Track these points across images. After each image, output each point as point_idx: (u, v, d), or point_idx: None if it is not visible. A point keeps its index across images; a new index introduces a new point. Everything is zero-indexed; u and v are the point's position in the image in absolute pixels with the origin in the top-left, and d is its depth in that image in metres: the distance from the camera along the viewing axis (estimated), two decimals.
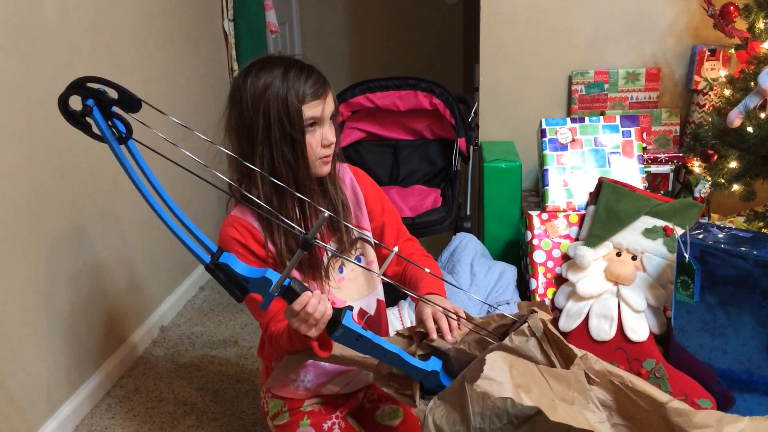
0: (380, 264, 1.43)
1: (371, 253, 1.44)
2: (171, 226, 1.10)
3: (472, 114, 2.54)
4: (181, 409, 1.95)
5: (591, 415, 0.98)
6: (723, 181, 2.04)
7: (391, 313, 1.99)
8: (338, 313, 1.11)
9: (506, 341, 1.07)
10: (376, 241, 1.40)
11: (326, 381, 1.42)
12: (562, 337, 1.06)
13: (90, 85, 0.99)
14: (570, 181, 2.20)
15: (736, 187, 2.04)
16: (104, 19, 2.03)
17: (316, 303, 1.09)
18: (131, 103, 1.01)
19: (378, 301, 1.46)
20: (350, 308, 1.13)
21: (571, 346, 1.05)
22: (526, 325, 1.07)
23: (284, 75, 1.25)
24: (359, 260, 1.42)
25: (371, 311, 1.45)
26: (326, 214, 1.02)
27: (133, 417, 1.92)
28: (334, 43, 4.45)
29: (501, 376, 0.97)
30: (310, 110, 1.25)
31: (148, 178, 1.08)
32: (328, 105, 1.29)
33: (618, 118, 2.24)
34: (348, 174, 1.45)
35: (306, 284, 1.22)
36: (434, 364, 1.19)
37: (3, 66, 1.59)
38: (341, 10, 4.42)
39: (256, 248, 1.31)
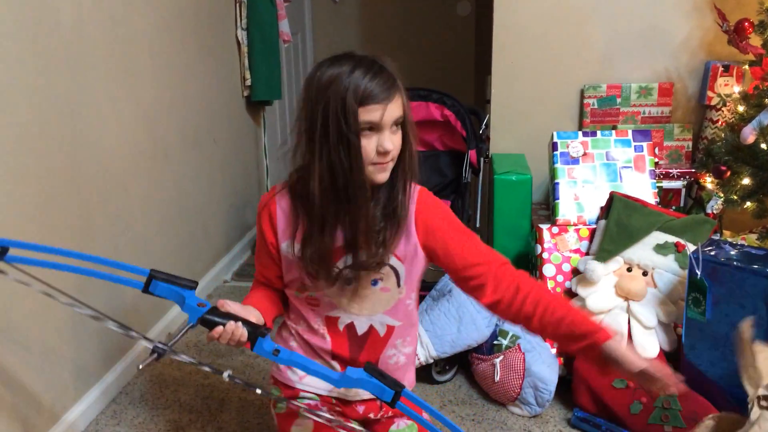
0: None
1: (392, 280, 1.37)
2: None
3: (483, 126, 2.54)
4: (187, 417, 1.94)
5: None
6: (736, 197, 2.02)
7: None
8: (254, 336, 1.18)
9: None
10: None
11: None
12: None
13: None
14: (581, 195, 2.19)
15: (748, 203, 2.03)
16: (119, 27, 2.04)
17: (228, 335, 1.17)
18: None
19: (387, 326, 1.41)
20: (265, 332, 1.18)
21: None
22: None
23: (350, 72, 1.18)
24: (375, 283, 1.36)
25: (381, 331, 1.41)
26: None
27: (138, 424, 1.92)
28: None
29: None
30: (367, 114, 1.19)
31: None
32: (390, 111, 1.21)
33: (630, 132, 2.23)
34: (414, 200, 1.33)
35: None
36: (355, 373, 1.13)
37: (18, 72, 1.60)
38: (353, 21, 4.43)
39: (268, 234, 1.35)
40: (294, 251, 1.33)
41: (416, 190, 1.34)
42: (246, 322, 1.18)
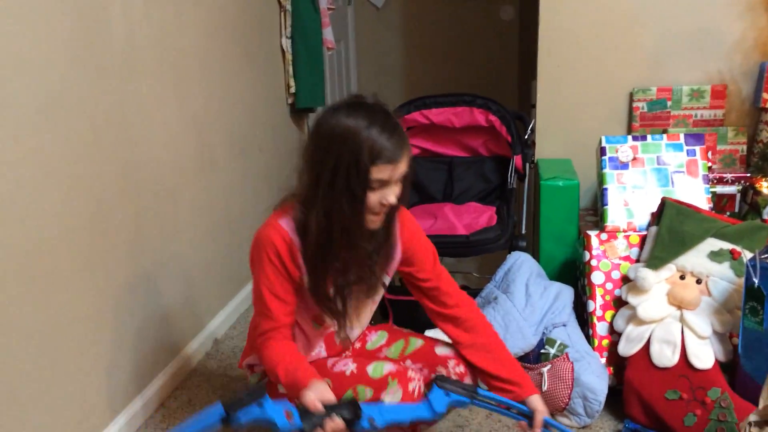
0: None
1: (380, 293, 1.52)
2: None
3: (529, 131, 2.51)
4: None
5: None
6: None
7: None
8: (352, 423, 1.19)
9: None
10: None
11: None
12: None
13: None
14: (630, 201, 2.14)
15: None
16: (168, 38, 2.08)
17: None
18: None
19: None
20: (361, 414, 1.20)
21: None
22: None
23: (367, 128, 1.24)
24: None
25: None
26: None
27: None
28: (388, 59, 4.48)
29: None
30: (379, 173, 1.26)
31: None
32: (399, 169, 1.28)
33: (682, 136, 2.18)
34: (396, 222, 1.46)
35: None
36: (439, 402, 1.24)
37: (72, 83, 1.64)
38: (396, 27, 4.44)
39: (291, 268, 1.36)
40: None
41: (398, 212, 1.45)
42: (340, 412, 1.19)
